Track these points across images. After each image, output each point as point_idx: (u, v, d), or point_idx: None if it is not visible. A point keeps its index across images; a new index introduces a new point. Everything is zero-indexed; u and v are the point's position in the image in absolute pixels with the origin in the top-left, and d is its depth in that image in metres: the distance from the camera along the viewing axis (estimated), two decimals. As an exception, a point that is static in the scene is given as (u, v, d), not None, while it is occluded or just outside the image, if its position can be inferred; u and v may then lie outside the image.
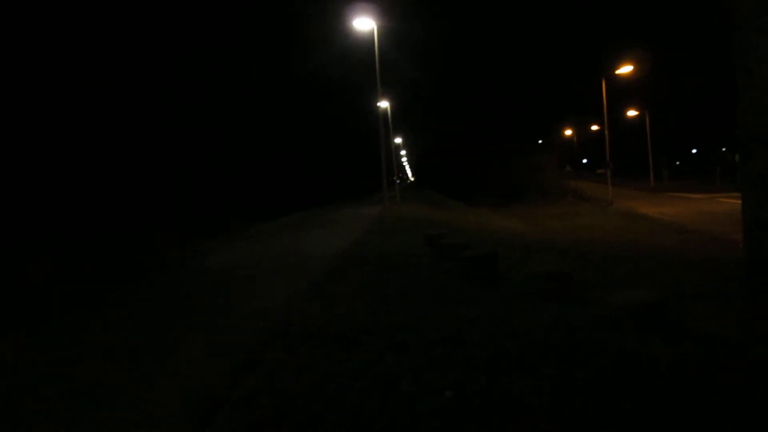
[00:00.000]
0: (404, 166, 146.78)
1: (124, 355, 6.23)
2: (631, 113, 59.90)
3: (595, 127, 74.54)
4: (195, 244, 18.53)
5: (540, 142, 70.12)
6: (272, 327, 6.82)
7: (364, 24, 21.41)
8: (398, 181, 54.65)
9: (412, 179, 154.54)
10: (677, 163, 76.78)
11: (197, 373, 5.48)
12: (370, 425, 3.71)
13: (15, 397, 5.11)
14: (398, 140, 66.55)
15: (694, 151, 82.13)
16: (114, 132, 27.65)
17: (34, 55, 23.53)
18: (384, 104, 33.48)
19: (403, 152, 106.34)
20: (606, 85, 38.87)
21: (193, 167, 32.97)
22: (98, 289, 11.10)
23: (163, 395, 4.91)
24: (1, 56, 21.98)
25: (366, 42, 23.42)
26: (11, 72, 22.70)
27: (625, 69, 36.85)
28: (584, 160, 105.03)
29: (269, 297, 9.03)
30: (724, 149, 63.38)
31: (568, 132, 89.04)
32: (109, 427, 4.38)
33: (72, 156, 25.61)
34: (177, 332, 7.09)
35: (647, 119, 55.09)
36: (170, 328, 7.34)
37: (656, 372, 4.52)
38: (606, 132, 40.14)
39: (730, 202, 30.30)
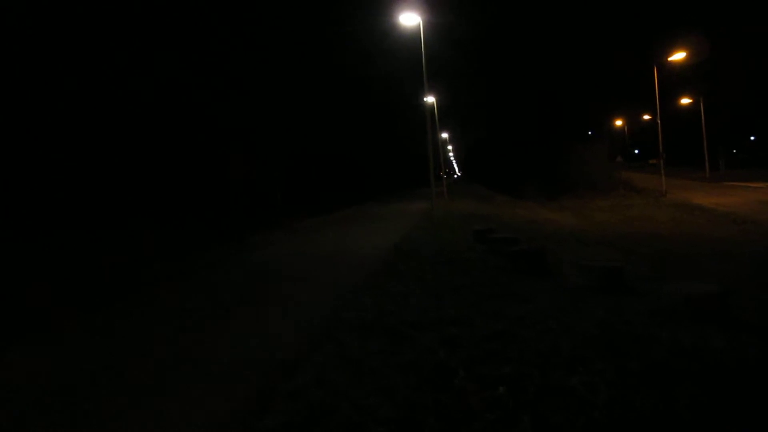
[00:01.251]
0: (451, 161, 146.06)
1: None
2: (685, 101, 58.17)
3: (646, 117, 72.74)
4: (247, 239, 18.86)
5: (589, 133, 68.75)
6: (323, 321, 6.90)
7: (410, 19, 21.42)
8: (444, 176, 54.46)
9: (459, 174, 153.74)
10: (734, 151, 74.17)
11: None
12: (424, 419, 3.74)
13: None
14: (445, 135, 66.22)
15: (752, 138, 79.24)
16: (163, 129, 28.35)
17: (85, 46, 24.34)
18: (430, 99, 33.42)
19: (449, 147, 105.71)
20: (658, 72, 37.88)
21: (243, 163, 33.55)
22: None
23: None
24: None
25: (412, 36, 23.43)
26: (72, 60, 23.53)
27: (678, 56, 35.85)
28: (636, 151, 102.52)
29: (320, 291, 9.14)
30: (784, 136, 60.98)
31: (619, 122, 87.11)
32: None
33: (123, 151, 26.39)
34: (231, 325, 7.26)
35: (701, 107, 53.44)
36: (230, 316, 7.54)
37: (714, 366, 4.43)
38: (658, 121, 39.16)
39: (792, 191, 29.20)
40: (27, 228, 20.15)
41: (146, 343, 6.69)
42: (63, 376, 5.62)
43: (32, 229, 20.05)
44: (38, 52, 21.96)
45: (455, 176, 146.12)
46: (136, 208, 25.06)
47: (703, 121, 52.66)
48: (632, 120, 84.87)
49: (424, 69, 22.74)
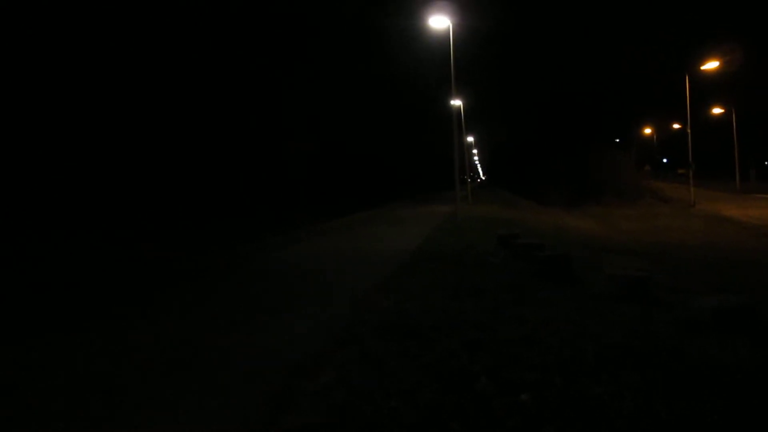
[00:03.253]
0: (476, 165, 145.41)
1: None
2: (717, 111, 57.25)
3: (676, 126, 71.70)
4: (269, 239, 18.93)
5: (617, 140, 68.02)
6: (345, 321, 6.89)
7: (440, 22, 21.37)
8: (469, 180, 54.22)
9: (483, 178, 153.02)
10: (766, 163, 72.80)
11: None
12: (446, 423, 3.71)
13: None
14: (470, 139, 65.93)
15: (785, 150, 77.69)
16: (189, 129, 28.70)
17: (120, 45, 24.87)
18: (457, 102, 33.30)
19: (474, 151, 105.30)
20: (690, 81, 37.33)
21: (268, 164, 33.80)
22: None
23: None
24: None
25: (441, 39, 23.39)
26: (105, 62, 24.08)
27: (711, 65, 35.30)
28: (664, 160, 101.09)
29: (343, 291, 9.15)
30: (818, 148, 59.72)
31: (648, 130, 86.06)
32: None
33: (151, 152, 26.82)
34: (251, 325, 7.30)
35: (734, 117, 52.55)
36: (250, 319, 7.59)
37: (743, 380, 4.34)
38: (688, 130, 38.61)
39: (825, 205, 28.56)
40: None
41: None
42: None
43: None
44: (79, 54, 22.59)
45: (479, 180, 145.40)
46: (169, 209, 25.64)
47: (734, 132, 51.79)
48: (661, 128, 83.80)
49: (452, 72, 22.69)
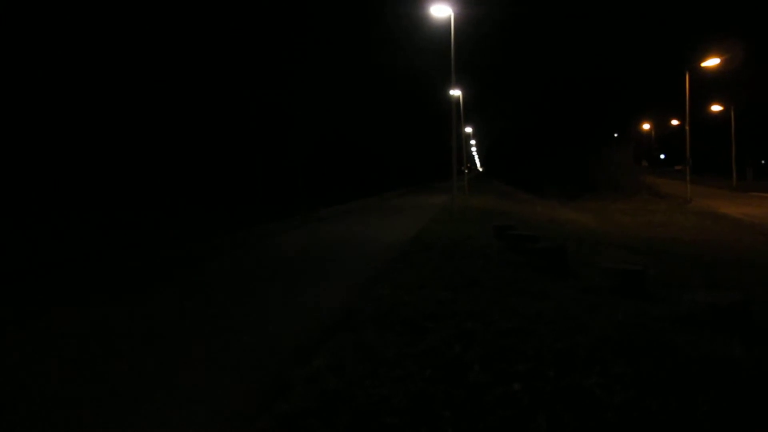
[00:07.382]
0: (473, 156, 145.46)
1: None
2: (715, 108, 57.21)
3: (675, 122, 71.69)
4: (267, 226, 18.89)
5: (615, 135, 67.95)
6: (341, 309, 6.92)
7: (441, 11, 21.25)
8: (466, 171, 54.18)
9: (481, 169, 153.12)
10: (762, 161, 72.86)
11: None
12: (438, 412, 3.72)
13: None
14: (468, 129, 65.83)
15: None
16: (191, 119, 28.68)
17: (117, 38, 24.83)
18: (456, 93, 33.20)
19: (472, 142, 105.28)
20: (690, 77, 37.26)
21: (266, 153, 33.76)
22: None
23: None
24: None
25: (442, 29, 23.29)
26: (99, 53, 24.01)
27: (712, 62, 35.23)
28: (662, 156, 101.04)
29: (338, 280, 9.16)
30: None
31: (646, 126, 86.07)
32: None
33: (155, 140, 26.85)
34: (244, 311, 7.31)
35: (732, 114, 52.53)
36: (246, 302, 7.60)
37: (735, 376, 4.36)
38: (687, 127, 38.58)
39: (820, 205, 28.65)
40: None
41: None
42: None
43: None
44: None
45: (477, 171, 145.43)
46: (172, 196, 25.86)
47: (732, 129, 51.79)
48: (660, 124, 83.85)
49: (452, 62, 22.59)
